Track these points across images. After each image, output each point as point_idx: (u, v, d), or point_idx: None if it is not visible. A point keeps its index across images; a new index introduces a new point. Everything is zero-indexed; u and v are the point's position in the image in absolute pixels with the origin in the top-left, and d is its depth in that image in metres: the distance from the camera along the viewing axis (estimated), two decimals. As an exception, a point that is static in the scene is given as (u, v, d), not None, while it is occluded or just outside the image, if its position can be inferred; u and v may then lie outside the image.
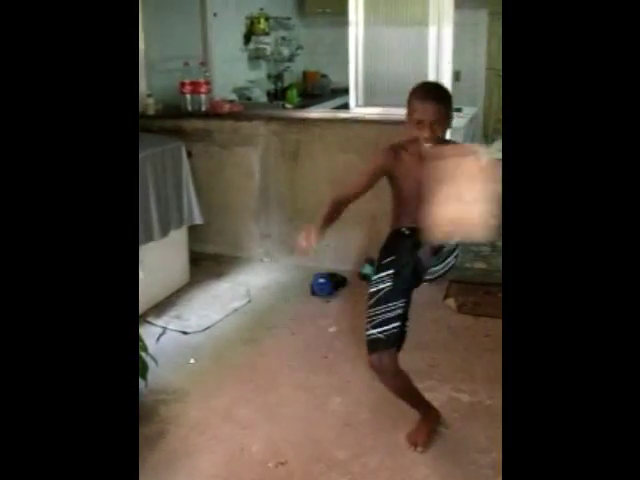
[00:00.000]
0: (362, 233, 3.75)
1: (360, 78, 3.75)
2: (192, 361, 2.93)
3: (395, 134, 2.42)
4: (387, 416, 2.48)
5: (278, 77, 5.86)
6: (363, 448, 2.31)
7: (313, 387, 2.70)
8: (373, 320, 2.15)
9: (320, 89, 5.99)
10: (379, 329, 2.14)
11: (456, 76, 4.99)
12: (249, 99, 5.17)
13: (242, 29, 5.43)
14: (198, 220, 3.67)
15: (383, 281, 2.17)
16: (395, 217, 2.30)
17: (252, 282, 3.80)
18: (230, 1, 5.12)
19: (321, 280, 3.60)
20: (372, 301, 2.18)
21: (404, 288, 2.18)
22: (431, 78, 3.45)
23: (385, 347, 2.14)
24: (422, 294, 2.46)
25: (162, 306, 3.45)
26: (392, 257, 2.20)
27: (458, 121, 3.86)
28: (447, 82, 3.35)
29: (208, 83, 4.18)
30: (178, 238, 3.63)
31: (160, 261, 3.33)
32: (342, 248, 3.88)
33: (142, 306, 3.20)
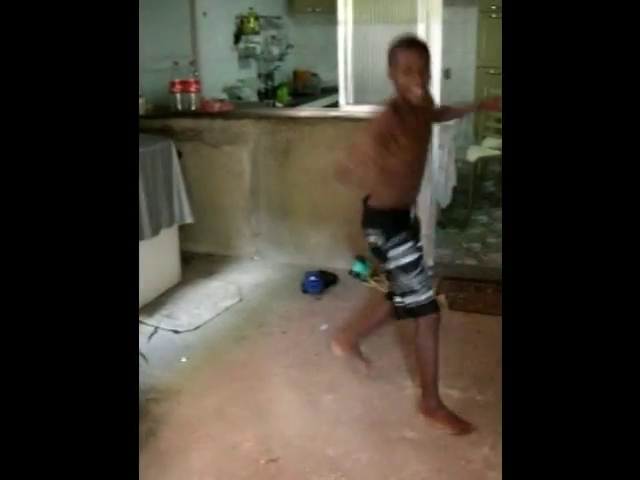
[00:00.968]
0: (352, 231, 3.75)
1: (350, 76, 3.75)
2: (183, 360, 2.93)
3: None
4: (378, 413, 2.49)
5: (268, 76, 5.85)
6: (354, 445, 2.32)
7: (304, 385, 2.71)
8: (424, 284, 2.30)
9: (310, 88, 5.99)
10: (432, 291, 2.34)
11: (446, 74, 5.00)
12: (239, 98, 5.16)
13: (232, 28, 5.42)
14: (189, 219, 3.67)
15: (411, 252, 2.28)
16: (393, 190, 2.25)
17: (243, 281, 3.80)
18: (220, 0, 5.11)
19: (312, 278, 3.60)
20: (416, 270, 2.28)
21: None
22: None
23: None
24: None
25: (153, 305, 3.44)
26: (404, 233, 2.28)
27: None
28: (436, 80, 3.36)
29: (198, 82, 4.17)
30: (169, 237, 3.63)
31: (151, 260, 3.32)
32: (333, 246, 3.89)
33: (133, 305, 3.19)
